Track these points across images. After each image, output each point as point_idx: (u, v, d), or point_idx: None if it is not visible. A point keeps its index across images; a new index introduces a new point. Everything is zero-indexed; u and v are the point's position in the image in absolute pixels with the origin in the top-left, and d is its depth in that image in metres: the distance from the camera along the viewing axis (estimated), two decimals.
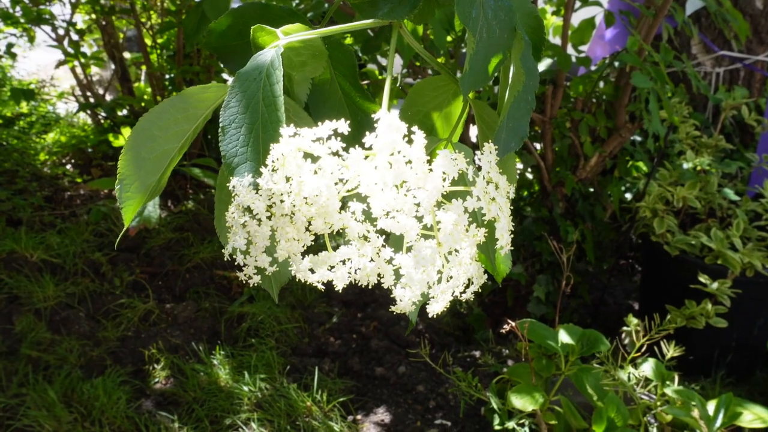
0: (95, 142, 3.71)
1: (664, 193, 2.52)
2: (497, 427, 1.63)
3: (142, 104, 3.45)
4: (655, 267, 2.61)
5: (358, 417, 2.15)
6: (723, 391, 2.33)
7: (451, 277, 0.58)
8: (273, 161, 0.56)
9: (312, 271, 0.61)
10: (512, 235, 0.60)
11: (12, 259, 2.71)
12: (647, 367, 1.65)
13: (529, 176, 2.88)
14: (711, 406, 1.60)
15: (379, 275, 0.60)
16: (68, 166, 3.69)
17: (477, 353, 2.48)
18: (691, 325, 2.29)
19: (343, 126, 0.57)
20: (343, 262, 0.60)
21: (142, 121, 0.65)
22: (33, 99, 2.86)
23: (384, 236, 0.59)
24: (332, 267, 0.61)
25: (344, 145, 0.56)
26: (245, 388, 2.17)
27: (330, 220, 0.57)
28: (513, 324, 1.51)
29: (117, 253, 2.91)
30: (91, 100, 3.58)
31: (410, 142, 0.56)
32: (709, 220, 2.58)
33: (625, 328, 2.31)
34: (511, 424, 1.60)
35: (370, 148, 0.57)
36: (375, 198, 0.55)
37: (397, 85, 2.41)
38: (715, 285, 2.23)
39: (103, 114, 3.56)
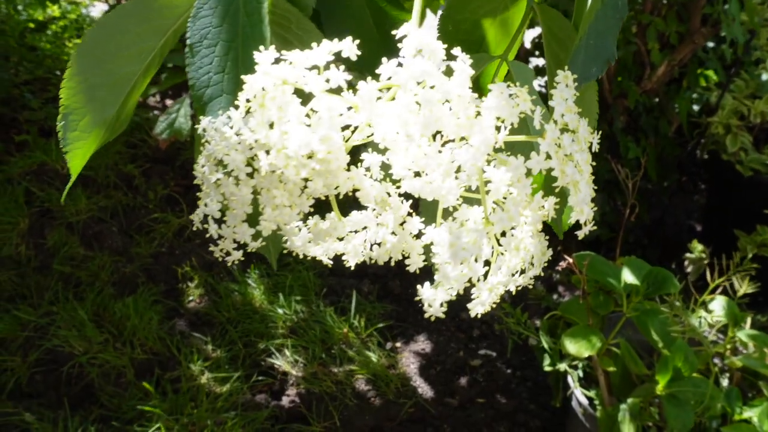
0: None
1: (740, 106, 2.27)
2: (547, 368, 1.49)
3: None
4: (724, 188, 2.39)
5: (397, 344, 2.04)
6: None
7: (501, 267, 0.42)
8: (248, 100, 0.39)
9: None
10: (594, 207, 0.42)
11: (42, 172, 2.62)
12: (717, 306, 1.48)
13: None
14: None
15: (404, 253, 0.44)
16: None
17: None
18: (761, 253, 2.09)
19: (349, 47, 0.39)
20: (356, 231, 0.44)
21: (90, 36, 0.49)
22: (57, 2, 2.69)
23: (411, 200, 0.42)
24: (342, 237, 0.45)
25: (349, 77, 0.39)
26: (280, 311, 2.08)
27: (333, 182, 0.40)
28: (570, 260, 1.35)
29: (151, 165, 2.80)
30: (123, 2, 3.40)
31: (449, 72, 0.38)
32: None
33: (688, 255, 2.13)
34: (562, 367, 1.46)
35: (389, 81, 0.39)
36: (397, 154, 0.38)
37: None
38: None
39: None
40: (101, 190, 2.63)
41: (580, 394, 1.45)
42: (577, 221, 0.42)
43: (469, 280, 0.41)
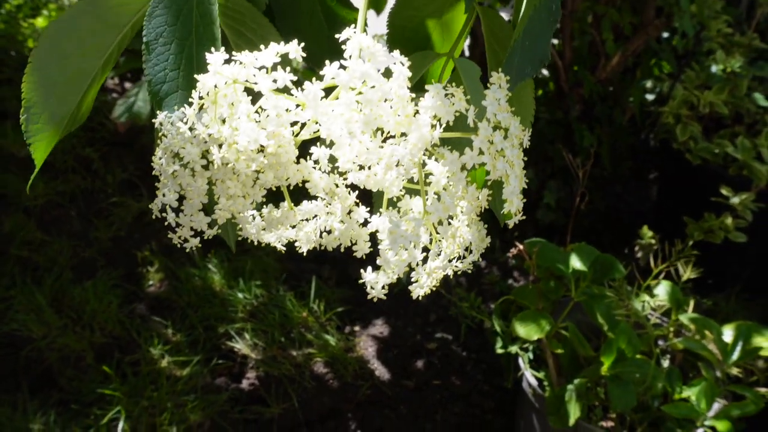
0: None
1: (690, 97, 2.34)
2: (499, 351, 1.54)
3: None
4: (675, 176, 2.47)
5: (356, 328, 2.07)
6: (738, 308, 2.24)
7: (440, 253, 0.45)
8: (201, 98, 0.42)
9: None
10: (524, 199, 0.46)
11: None
12: (662, 291, 1.54)
13: (545, 73, 2.69)
14: (728, 332, 1.50)
15: (352, 239, 0.47)
16: None
17: (482, 263, 2.38)
18: (708, 239, 2.17)
19: (295, 49, 0.42)
20: (308, 219, 0.47)
21: (47, 33, 0.51)
22: None
23: (357, 191, 0.46)
24: (295, 225, 0.48)
25: (294, 78, 0.42)
26: (240, 295, 2.10)
27: (283, 174, 0.43)
28: (521, 247, 1.39)
29: (109, 149, 2.78)
30: None
31: (388, 73, 0.41)
32: (735, 126, 2.41)
33: (639, 240, 2.20)
34: (514, 349, 1.51)
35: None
36: (341, 149, 0.41)
37: None
38: (736, 199, 2.10)
39: None
40: (59, 174, 2.61)
41: (530, 376, 1.50)
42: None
43: (409, 265, 0.45)
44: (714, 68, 2.40)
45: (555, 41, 2.56)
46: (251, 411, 1.78)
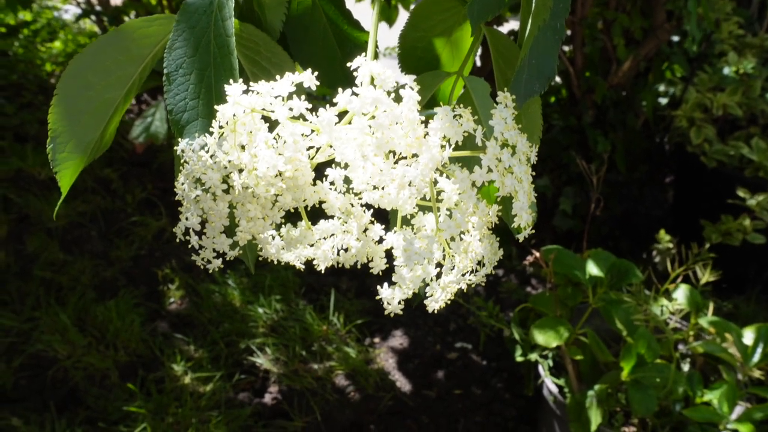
0: None
1: (703, 99, 2.34)
2: (519, 359, 1.55)
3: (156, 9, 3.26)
4: (690, 179, 2.46)
5: (375, 340, 2.09)
6: (758, 310, 2.23)
7: (453, 268, 0.47)
8: (221, 126, 0.44)
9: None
10: (534, 214, 0.47)
11: (20, 178, 2.64)
12: (680, 295, 1.54)
13: (557, 80, 2.70)
14: (749, 335, 1.50)
15: (368, 256, 0.49)
16: None
17: (500, 271, 2.39)
18: (726, 241, 2.17)
19: (309, 78, 0.44)
20: (325, 238, 0.49)
21: (73, 65, 0.53)
22: (29, 7, 2.69)
23: (372, 209, 0.47)
24: (313, 244, 0.50)
25: (309, 105, 0.44)
26: (260, 310, 2.12)
27: (301, 195, 0.45)
28: (538, 254, 1.40)
29: (128, 168, 2.82)
30: (97, 7, 3.40)
31: (398, 98, 0.43)
32: (750, 127, 2.41)
33: (656, 245, 2.20)
34: (533, 357, 1.52)
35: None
36: (355, 171, 0.43)
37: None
38: (753, 200, 2.09)
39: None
40: (79, 194, 2.65)
41: (550, 383, 1.51)
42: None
43: (423, 280, 0.46)
44: (726, 70, 2.40)
45: (566, 48, 2.58)
46: (275, 425, 1.79)
